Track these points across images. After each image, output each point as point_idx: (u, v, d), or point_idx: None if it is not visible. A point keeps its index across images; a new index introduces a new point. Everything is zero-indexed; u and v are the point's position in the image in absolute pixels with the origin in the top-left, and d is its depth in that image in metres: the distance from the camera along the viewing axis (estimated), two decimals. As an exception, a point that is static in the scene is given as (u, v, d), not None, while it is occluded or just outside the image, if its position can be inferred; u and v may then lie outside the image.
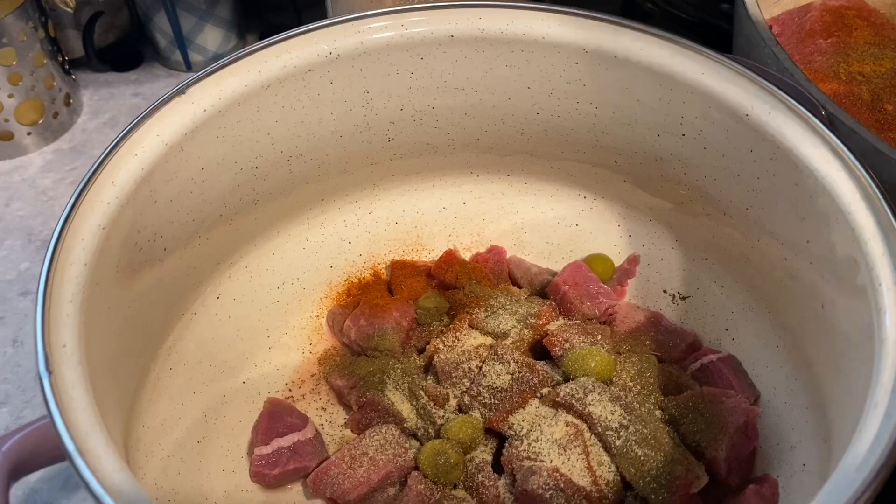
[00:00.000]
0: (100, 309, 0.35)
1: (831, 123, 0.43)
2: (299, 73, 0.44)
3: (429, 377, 0.50)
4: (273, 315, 0.53)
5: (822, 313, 0.40)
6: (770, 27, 0.54)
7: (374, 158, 0.53)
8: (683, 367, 0.50)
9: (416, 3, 0.46)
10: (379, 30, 0.45)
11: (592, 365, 0.46)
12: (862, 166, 0.37)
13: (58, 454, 0.28)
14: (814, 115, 0.39)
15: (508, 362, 0.47)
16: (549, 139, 0.52)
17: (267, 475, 0.46)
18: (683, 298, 0.53)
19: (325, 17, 0.55)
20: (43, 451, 0.31)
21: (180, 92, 0.41)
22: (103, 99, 0.76)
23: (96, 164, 0.37)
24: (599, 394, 0.44)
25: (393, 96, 0.48)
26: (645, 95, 0.45)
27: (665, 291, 0.54)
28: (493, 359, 0.48)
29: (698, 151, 0.45)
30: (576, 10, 0.44)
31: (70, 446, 0.27)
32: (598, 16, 0.44)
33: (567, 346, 0.48)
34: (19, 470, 0.31)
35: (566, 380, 0.47)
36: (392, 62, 0.46)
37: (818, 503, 0.28)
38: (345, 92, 0.46)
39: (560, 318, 0.52)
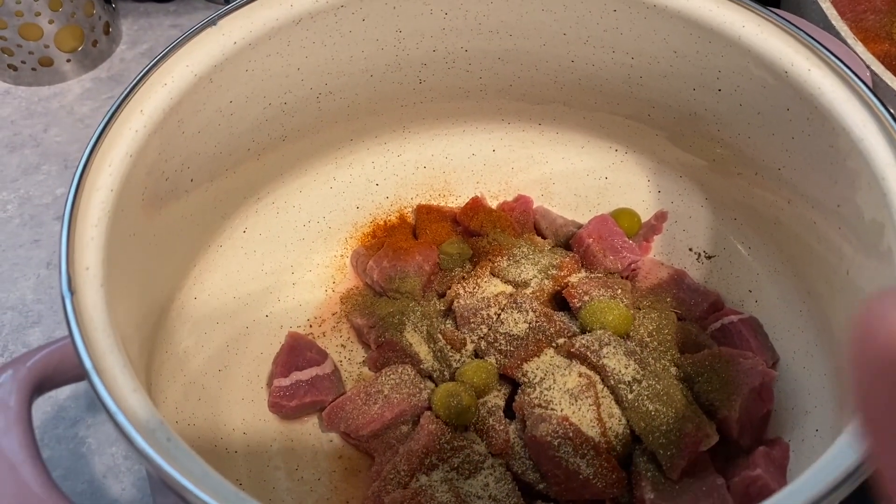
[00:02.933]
0: (124, 235, 0.36)
1: (875, 85, 0.42)
2: (331, 8, 0.43)
3: (447, 321, 0.50)
4: (298, 252, 0.54)
5: (848, 280, 0.39)
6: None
7: (404, 100, 0.52)
8: (703, 327, 0.50)
9: (453, -58, 0.45)
10: (413, -33, 0.44)
11: (610, 318, 0.46)
12: (901, 131, 0.35)
13: (79, 372, 0.29)
14: (857, 75, 0.38)
15: (527, 311, 0.47)
16: (582, 88, 0.51)
17: (284, 406, 0.48)
18: (709, 257, 0.53)
19: (362, -48, 0.54)
20: (66, 368, 0.32)
21: (211, 23, 0.41)
22: (142, 29, 0.76)
23: (126, 92, 0.37)
24: (615, 347, 0.44)
25: (426, 37, 0.47)
26: (683, 47, 0.43)
27: (691, 249, 0.53)
28: (512, 307, 0.48)
29: (734, 108, 0.44)
30: (616, -45, 0.43)
31: (88, 364, 0.28)
32: (640, -38, 0.42)
33: (586, 298, 0.48)
34: (43, 385, 0.32)
35: (583, 331, 0.47)
36: (426, 1, 0.45)
37: (820, 465, 0.28)
38: (377, 30, 0.46)
39: (582, 270, 0.52)
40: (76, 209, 0.33)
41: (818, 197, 0.41)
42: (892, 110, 0.37)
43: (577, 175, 0.56)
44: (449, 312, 0.51)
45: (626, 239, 0.52)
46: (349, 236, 0.56)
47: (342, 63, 0.47)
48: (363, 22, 0.45)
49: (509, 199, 0.57)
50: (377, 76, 0.49)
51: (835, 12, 0.46)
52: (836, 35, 0.44)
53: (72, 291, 0.31)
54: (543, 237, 0.56)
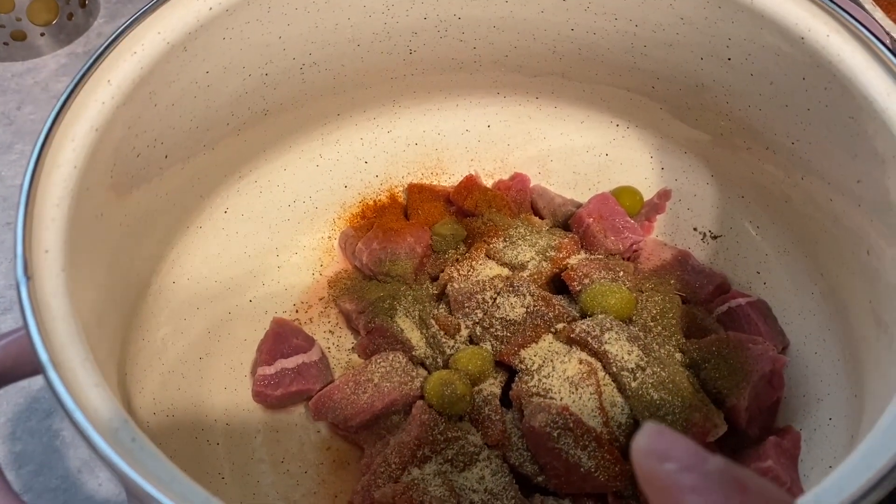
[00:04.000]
0: (90, 216, 0.33)
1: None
2: (314, -28, 0.40)
3: (441, 306, 0.48)
4: (283, 233, 0.51)
5: (867, 260, 0.37)
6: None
7: (394, 72, 0.49)
8: (709, 310, 0.47)
9: None
10: (402, -73, 0.41)
11: (612, 302, 0.44)
12: (928, 100, 0.33)
13: (38, 366, 0.27)
14: (881, 41, 0.35)
15: (524, 295, 0.45)
16: (582, 59, 0.48)
17: (269, 396, 0.45)
18: (715, 237, 0.50)
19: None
20: (25, 361, 0.29)
21: (185, -13, 0.38)
22: (121, 2, 0.73)
23: (91, 61, 0.35)
24: (617, 332, 0.42)
25: (416, 3, 0.44)
26: (690, 13, 0.41)
27: (695, 229, 0.51)
28: (508, 290, 0.45)
29: (744, 78, 0.41)
30: (620, -86, 0.40)
31: (44, 357, 0.26)
32: (645, -80, 0.40)
33: (586, 281, 0.45)
34: (0, 380, 0.29)
35: (583, 316, 0.44)
36: (416, -35, 0.42)
37: (851, 463, 0.26)
38: (364, -4, 0.43)
39: (581, 251, 0.49)
40: (34, 187, 0.31)
41: (835, 173, 0.39)
42: (914, 79, 0.34)
43: (577, 152, 0.54)
44: (442, 296, 0.48)
45: (628, 218, 0.50)
46: (337, 217, 0.53)
47: (327, 31, 0.44)
48: (349, -14, 0.42)
49: (505, 177, 0.55)
50: (364, 46, 0.46)
51: (851, -24, 0.43)
52: (854, 0, 0.42)
53: (28, 276, 0.28)
54: (541, 217, 0.53)
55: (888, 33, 0.39)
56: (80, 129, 0.33)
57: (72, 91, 0.34)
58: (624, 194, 0.51)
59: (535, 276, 0.47)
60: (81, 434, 0.24)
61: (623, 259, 0.49)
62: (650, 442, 0.19)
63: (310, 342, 0.47)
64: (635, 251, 0.50)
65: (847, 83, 0.35)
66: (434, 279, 0.50)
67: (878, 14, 0.41)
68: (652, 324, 0.44)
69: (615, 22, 0.44)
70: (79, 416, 0.24)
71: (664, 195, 0.52)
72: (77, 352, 0.27)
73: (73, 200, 0.32)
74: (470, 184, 0.52)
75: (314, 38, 0.43)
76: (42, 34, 0.67)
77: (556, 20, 0.45)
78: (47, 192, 0.31)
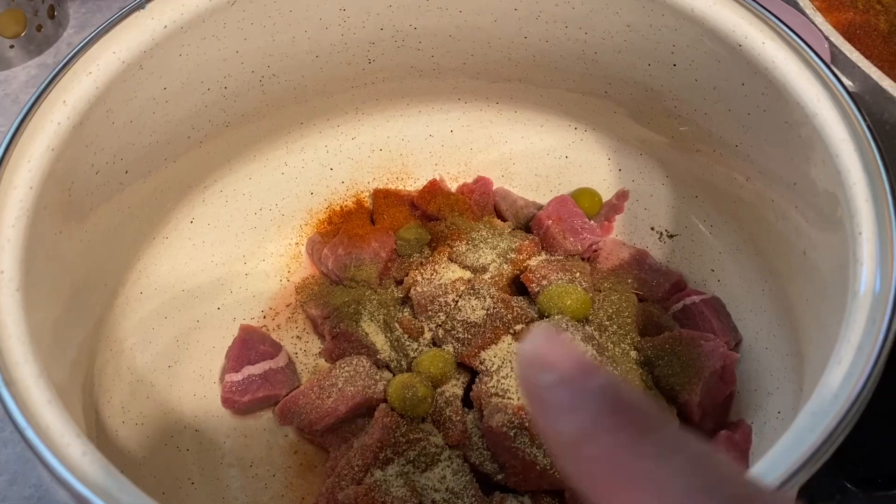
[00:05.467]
0: (48, 234, 0.34)
1: (834, 58, 0.41)
2: (269, -13, 0.41)
3: (405, 309, 0.49)
4: (250, 241, 0.52)
5: (805, 259, 0.38)
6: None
7: (354, 81, 0.50)
8: (665, 308, 0.49)
9: (395, -86, 0.43)
10: (354, -58, 0.42)
11: (568, 303, 0.45)
12: (856, 107, 0.34)
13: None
14: (812, 49, 0.36)
15: (484, 297, 0.46)
16: (537, 65, 0.49)
17: (237, 402, 0.46)
18: (671, 237, 0.52)
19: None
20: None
21: (139, 6, 0.39)
22: (90, 12, 0.73)
23: (45, 83, 0.35)
24: (572, 333, 0.43)
25: (371, 14, 0.45)
26: (636, 21, 0.42)
27: (653, 229, 0.52)
28: (470, 293, 0.47)
29: (690, 83, 0.42)
30: (565, -74, 0.41)
31: (-3, 376, 0.27)
32: (589, -68, 0.41)
33: (544, 282, 0.46)
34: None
35: (541, 317, 0.45)
36: (369, -22, 0.43)
37: (769, 459, 0.27)
38: (319, 9, 0.44)
39: (542, 253, 0.50)
40: (-10, 209, 0.31)
41: (776, 173, 0.40)
42: (850, 82, 0.36)
43: (537, 155, 0.55)
44: (406, 300, 0.49)
45: (587, 219, 0.51)
46: (304, 223, 0.54)
47: (284, 45, 0.45)
48: (304, 0, 0.43)
49: (469, 180, 0.56)
50: (323, 57, 0.47)
51: (794, -20, 0.44)
52: (794, 5, 0.43)
53: (-17, 298, 0.29)
54: (504, 219, 0.54)
55: (826, 38, 0.40)
56: (37, 149, 0.34)
57: (27, 113, 0.34)
58: (583, 196, 0.52)
59: (496, 279, 0.48)
60: (32, 450, 0.25)
61: (582, 259, 0.50)
62: (536, 347, 0.17)
63: (277, 348, 0.48)
64: (594, 251, 0.51)
65: (781, 88, 0.36)
66: (399, 283, 0.51)
67: (819, 19, 0.42)
68: (608, 323, 0.46)
69: (566, 30, 0.45)
70: (29, 434, 0.25)
71: (622, 196, 0.53)
72: (31, 370, 0.28)
73: (29, 220, 0.33)
74: (434, 188, 0.54)
75: (272, 51, 0.44)
76: (11, 46, 0.67)
77: (509, 28, 0.46)
78: (3, 214, 0.32)
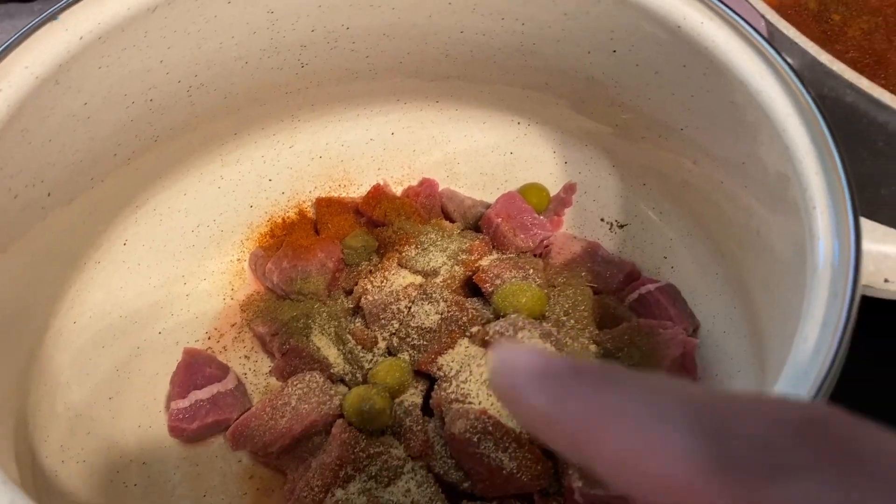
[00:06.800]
0: (-36, 264, 0.32)
1: (771, 35, 0.41)
2: (189, -8, 0.39)
3: (357, 320, 0.47)
4: (189, 260, 0.50)
5: (758, 238, 0.38)
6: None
7: (287, 87, 0.49)
8: (621, 299, 0.48)
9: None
10: (277, -59, 0.40)
11: (523, 301, 0.44)
12: (799, 81, 0.34)
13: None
14: (751, 26, 0.36)
15: (437, 301, 0.45)
16: (476, 60, 0.48)
17: (185, 429, 0.44)
18: (621, 226, 0.51)
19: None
20: None
21: (52, 18, 0.36)
22: (4, 32, 0.70)
23: (-49, 102, 0.33)
24: (530, 330, 0.42)
25: (301, 16, 0.43)
26: (573, 9, 0.41)
27: (603, 220, 0.52)
28: (422, 298, 0.45)
29: (630, 69, 0.42)
30: (494, -85, 0.40)
31: None
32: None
33: (498, 281, 0.45)
34: None
35: (497, 317, 0.44)
36: (296, -22, 0.42)
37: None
38: (245, 13, 0.42)
39: (493, 252, 0.49)
40: None
41: (723, 155, 0.40)
42: (788, 60, 0.35)
43: (482, 152, 0.54)
44: (358, 310, 0.48)
45: (536, 215, 0.50)
46: (245, 238, 0.52)
47: (211, 52, 0.42)
48: (229, 4, 0.41)
49: (414, 183, 0.54)
50: (253, 63, 0.45)
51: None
52: (729, -15, 0.43)
53: None
54: (452, 220, 0.53)
55: (762, 16, 0.40)
56: (-55, 175, 0.32)
57: (-68, 136, 0.32)
58: (530, 191, 0.52)
59: (449, 282, 0.47)
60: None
61: (534, 255, 0.49)
62: (499, 366, 0.18)
63: (224, 370, 0.46)
64: (546, 247, 0.50)
65: (723, 68, 0.36)
66: (349, 293, 0.49)
67: (753, -2, 0.42)
68: (565, 318, 0.45)
69: (502, 22, 0.44)
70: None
71: (570, 189, 0.52)
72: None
73: (-60, 251, 0.30)
74: (378, 193, 0.52)
75: (198, 59, 0.42)
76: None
77: (445, 24, 0.45)
78: None
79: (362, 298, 0.47)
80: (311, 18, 0.44)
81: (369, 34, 0.46)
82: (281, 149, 0.52)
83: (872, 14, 0.56)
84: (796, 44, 0.40)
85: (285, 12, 0.43)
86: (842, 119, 0.42)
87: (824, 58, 0.39)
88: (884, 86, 0.49)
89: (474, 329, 0.44)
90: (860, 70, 0.52)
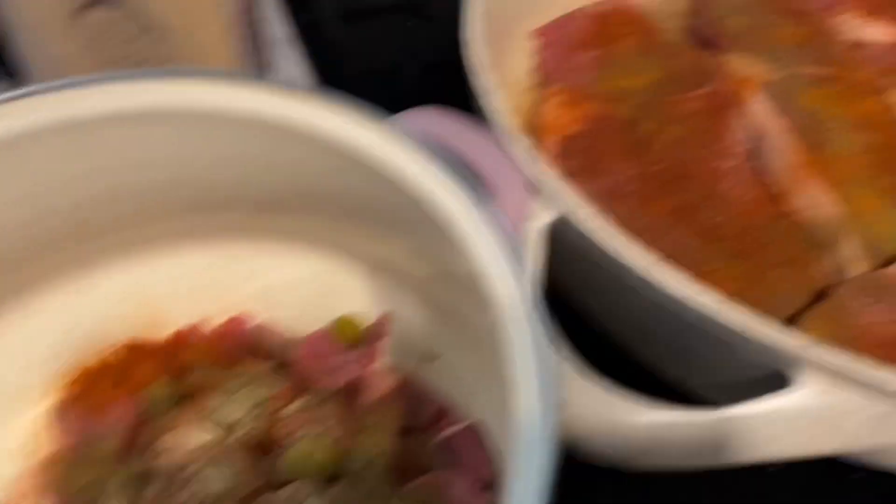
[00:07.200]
0: None
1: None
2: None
3: (153, 484, 0.45)
4: (-19, 421, 0.47)
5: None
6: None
7: (78, 239, 0.47)
8: (431, 437, 0.47)
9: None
10: None
11: (318, 459, 0.43)
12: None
13: None
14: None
15: (229, 464, 0.43)
16: (273, 199, 0.47)
17: None
18: (434, 358, 0.50)
19: None
20: None
21: None
22: None
23: None
24: (318, 497, 0.41)
25: (67, 186, 0.42)
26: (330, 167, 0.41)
27: (416, 351, 0.51)
28: (217, 460, 0.43)
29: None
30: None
31: None
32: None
33: (292, 438, 0.44)
34: None
35: (288, 481, 0.43)
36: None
37: None
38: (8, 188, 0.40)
39: (302, 396, 0.48)
40: None
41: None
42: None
43: (296, 286, 0.53)
44: (154, 472, 0.46)
45: (347, 352, 0.49)
46: (45, 392, 0.50)
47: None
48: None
49: (225, 320, 0.53)
50: (23, 228, 0.43)
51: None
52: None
53: None
54: (267, 358, 0.51)
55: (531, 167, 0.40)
56: None
57: None
58: (342, 326, 0.51)
59: (248, 437, 0.45)
60: None
61: (345, 396, 0.48)
62: None
63: (10, 552, 0.44)
64: (356, 385, 0.49)
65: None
66: (147, 452, 0.47)
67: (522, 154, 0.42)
68: (364, 473, 0.44)
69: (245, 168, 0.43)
70: None
71: (384, 320, 0.51)
72: None
73: None
74: (183, 336, 0.50)
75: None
76: None
77: (230, 173, 0.44)
78: None
79: (157, 460, 0.45)
80: (80, 183, 0.43)
81: (152, 189, 0.45)
82: (82, 296, 0.50)
83: (680, 122, 0.57)
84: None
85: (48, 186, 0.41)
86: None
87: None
88: (685, 199, 0.50)
89: (262, 498, 0.42)
90: (665, 183, 0.53)
